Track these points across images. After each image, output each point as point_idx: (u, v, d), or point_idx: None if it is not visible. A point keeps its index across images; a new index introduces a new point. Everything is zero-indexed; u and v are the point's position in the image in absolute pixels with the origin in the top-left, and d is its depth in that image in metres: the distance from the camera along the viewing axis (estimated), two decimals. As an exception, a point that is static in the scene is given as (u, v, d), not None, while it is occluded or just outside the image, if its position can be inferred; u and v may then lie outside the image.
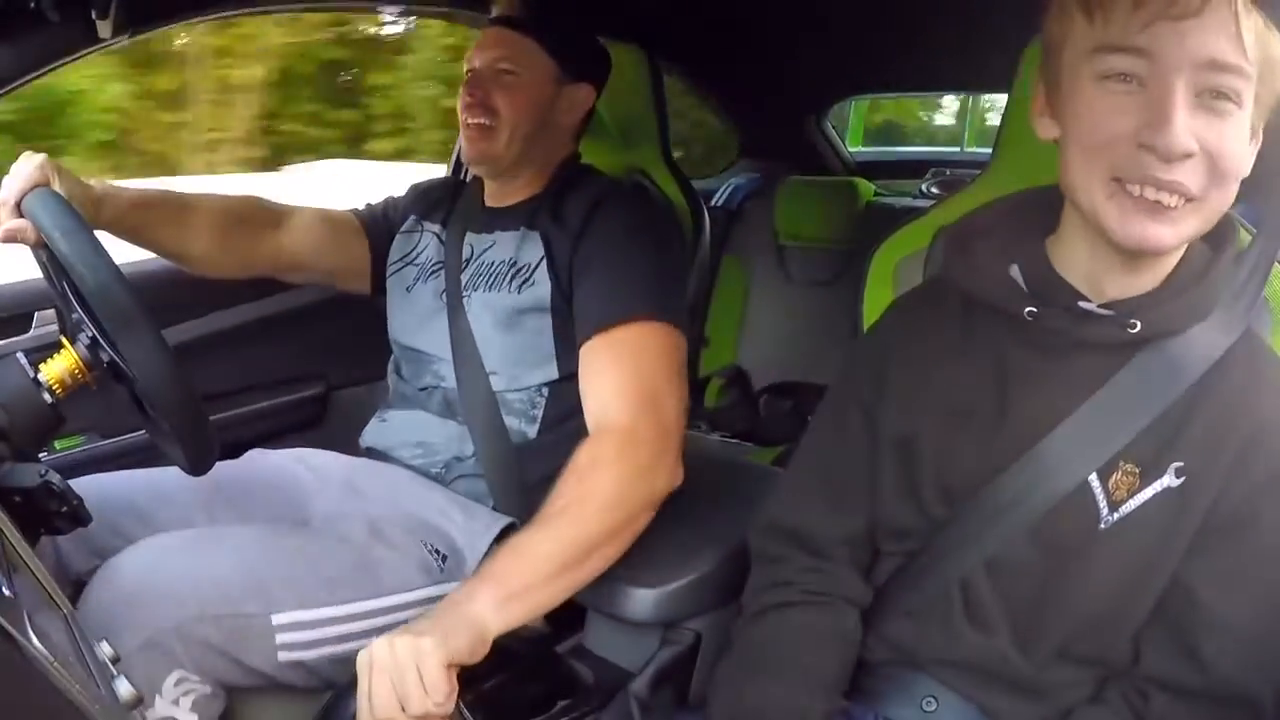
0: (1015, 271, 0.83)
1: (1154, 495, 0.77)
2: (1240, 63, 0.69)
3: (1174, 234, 0.73)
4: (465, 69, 1.31)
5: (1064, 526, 0.79)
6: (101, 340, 1.01)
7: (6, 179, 1.08)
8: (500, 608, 0.89)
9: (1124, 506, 0.78)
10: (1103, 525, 0.78)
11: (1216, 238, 0.79)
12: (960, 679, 0.85)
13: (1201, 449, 0.76)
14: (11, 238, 1.08)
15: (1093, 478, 0.78)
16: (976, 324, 0.85)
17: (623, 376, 1.10)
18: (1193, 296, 0.78)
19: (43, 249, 1.07)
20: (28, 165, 1.08)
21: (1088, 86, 0.73)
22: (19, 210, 1.07)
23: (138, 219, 1.24)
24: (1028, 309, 0.80)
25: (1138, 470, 0.77)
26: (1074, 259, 0.81)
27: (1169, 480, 0.77)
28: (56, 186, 1.08)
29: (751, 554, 0.97)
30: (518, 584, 0.92)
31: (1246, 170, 0.74)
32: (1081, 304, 0.78)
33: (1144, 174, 0.70)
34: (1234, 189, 0.73)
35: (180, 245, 1.31)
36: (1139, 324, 0.77)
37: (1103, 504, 0.78)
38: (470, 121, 1.28)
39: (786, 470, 0.97)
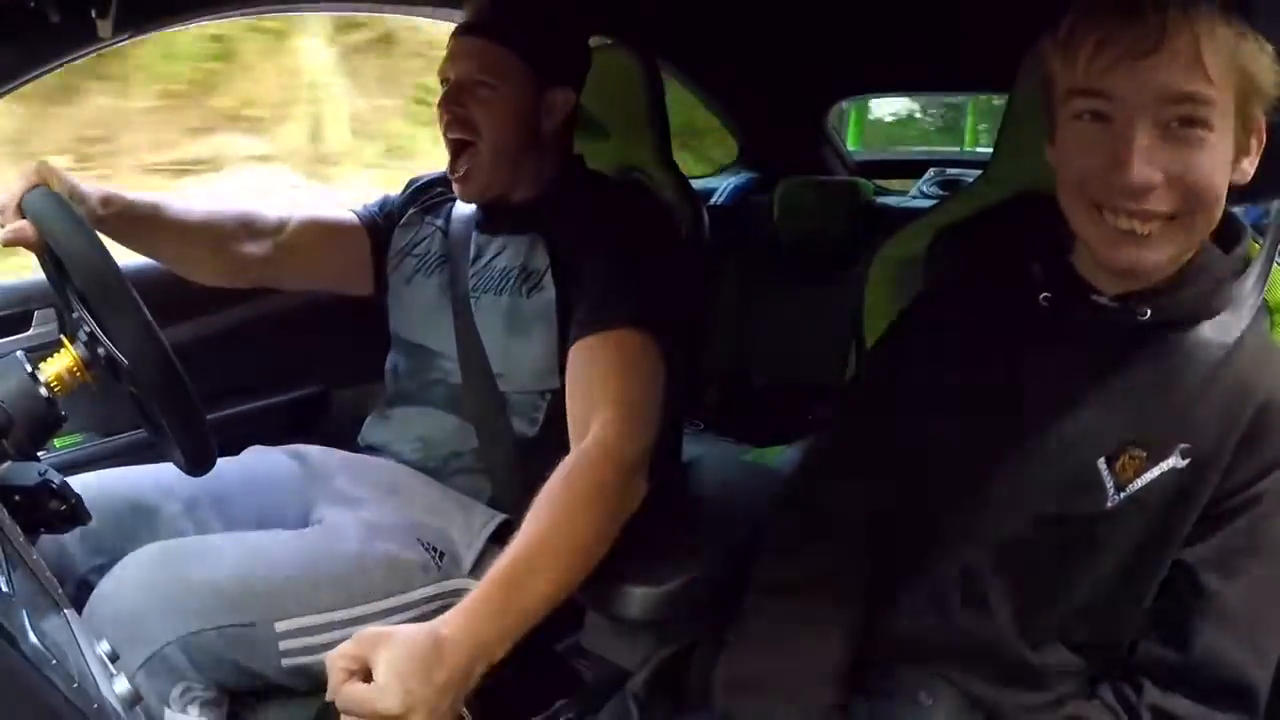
0: (1037, 269, 0.88)
1: (1160, 475, 0.80)
2: (1203, 90, 0.73)
3: (1156, 256, 0.78)
4: (440, 80, 1.27)
5: (1071, 511, 0.83)
6: (100, 337, 1.01)
7: (7, 186, 1.10)
8: (471, 670, 0.88)
9: (1130, 486, 0.81)
10: (1109, 504, 0.81)
11: (1226, 240, 0.84)
12: (956, 666, 0.86)
13: (1207, 433, 0.79)
14: (14, 240, 1.08)
15: (1100, 463, 0.82)
16: (993, 319, 0.90)
17: (603, 388, 1.10)
18: (1202, 289, 0.82)
19: (45, 250, 1.07)
20: (25, 169, 1.10)
21: (1067, 124, 0.80)
22: (21, 213, 1.08)
23: (135, 225, 1.25)
24: (1043, 295, 0.85)
25: (1144, 454, 0.80)
26: (1086, 260, 0.85)
27: (1175, 461, 0.80)
28: (56, 188, 1.08)
29: (769, 532, 0.99)
30: (492, 640, 0.90)
31: (1235, 180, 0.78)
32: (1094, 297, 0.83)
33: (1115, 204, 0.76)
34: (1215, 209, 0.78)
35: (177, 252, 1.31)
36: (1149, 311, 0.81)
37: (1110, 486, 0.81)
38: (450, 137, 1.25)
39: (807, 451, 1.01)
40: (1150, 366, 0.81)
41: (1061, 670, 0.84)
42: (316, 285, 1.45)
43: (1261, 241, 0.89)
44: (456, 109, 1.23)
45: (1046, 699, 0.84)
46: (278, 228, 1.38)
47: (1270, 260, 0.86)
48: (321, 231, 1.41)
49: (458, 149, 1.25)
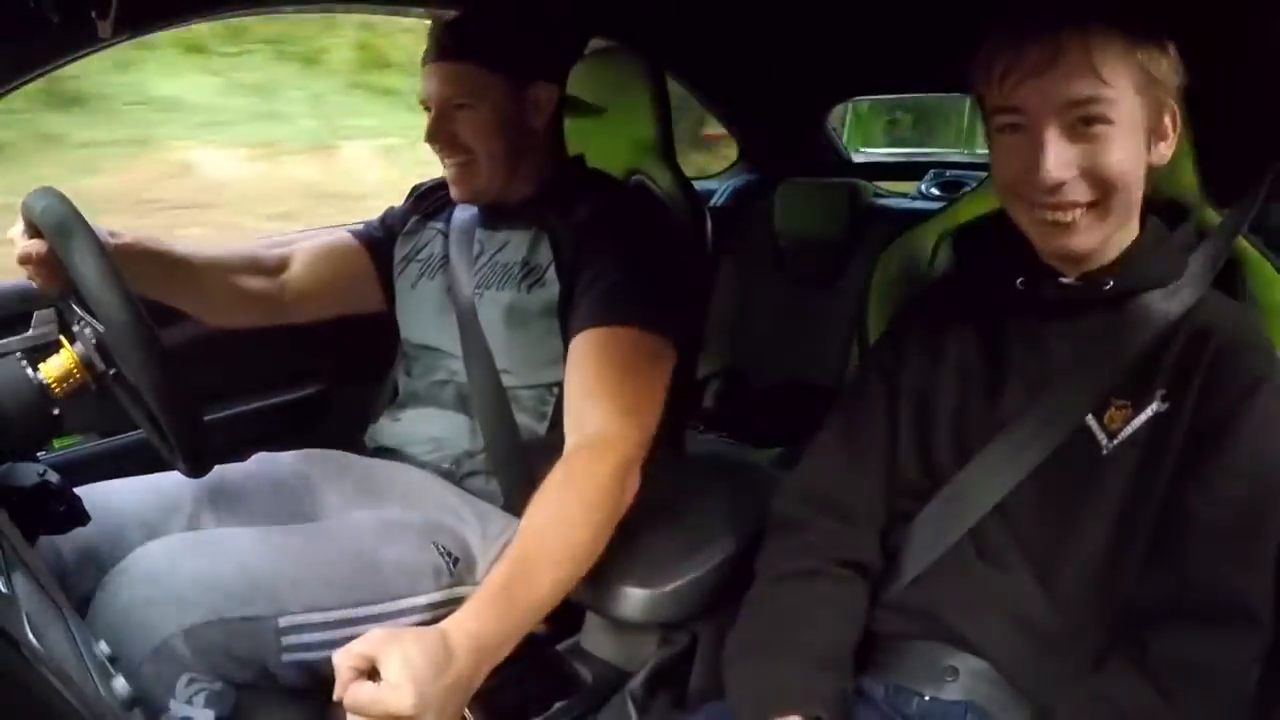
0: (1012, 260, 0.97)
1: (1146, 420, 0.89)
2: (1098, 92, 0.83)
3: (1085, 241, 0.89)
4: (422, 107, 1.28)
5: (1069, 463, 0.91)
6: (95, 325, 1.01)
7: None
8: (477, 671, 0.89)
9: (1120, 434, 0.90)
10: (1104, 453, 0.90)
11: (1171, 218, 0.96)
12: (980, 629, 0.89)
13: (1178, 374, 0.89)
14: (25, 256, 1.09)
15: (1089, 418, 0.91)
16: (983, 305, 1.00)
17: (603, 384, 1.10)
18: (1157, 259, 0.92)
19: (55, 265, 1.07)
20: None
21: (995, 137, 0.91)
22: (30, 229, 1.07)
23: (143, 260, 1.22)
24: (1019, 280, 0.96)
25: (1129, 404, 0.90)
26: None
27: (1157, 406, 0.89)
28: None
29: (772, 520, 1.02)
30: (496, 641, 0.91)
31: (1154, 162, 0.88)
32: (1061, 279, 0.94)
33: (1038, 200, 0.88)
34: (1131, 191, 0.88)
35: (183, 288, 1.31)
36: (1111, 282, 0.92)
37: (1102, 437, 0.90)
38: (448, 162, 1.27)
39: (814, 440, 1.04)
40: (1121, 328, 0.91)
41: (1081, 633, 0.87)
42: (327, 312, 1.45)
43: (1223, 213, 0.99)
44: (444, 134, 1.25)
45: (1066, 669, 0.86)
46: (281, 263, 1.40)
47: (1231, 233, 0.95)
48: (323, 259, 1.43)
49: (455, 168, 1.27)
